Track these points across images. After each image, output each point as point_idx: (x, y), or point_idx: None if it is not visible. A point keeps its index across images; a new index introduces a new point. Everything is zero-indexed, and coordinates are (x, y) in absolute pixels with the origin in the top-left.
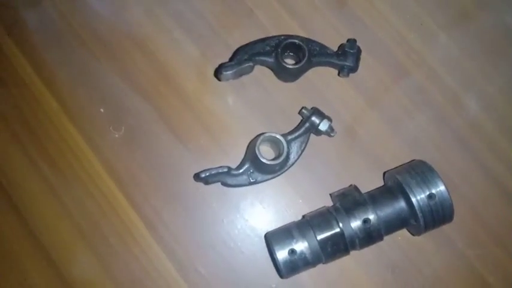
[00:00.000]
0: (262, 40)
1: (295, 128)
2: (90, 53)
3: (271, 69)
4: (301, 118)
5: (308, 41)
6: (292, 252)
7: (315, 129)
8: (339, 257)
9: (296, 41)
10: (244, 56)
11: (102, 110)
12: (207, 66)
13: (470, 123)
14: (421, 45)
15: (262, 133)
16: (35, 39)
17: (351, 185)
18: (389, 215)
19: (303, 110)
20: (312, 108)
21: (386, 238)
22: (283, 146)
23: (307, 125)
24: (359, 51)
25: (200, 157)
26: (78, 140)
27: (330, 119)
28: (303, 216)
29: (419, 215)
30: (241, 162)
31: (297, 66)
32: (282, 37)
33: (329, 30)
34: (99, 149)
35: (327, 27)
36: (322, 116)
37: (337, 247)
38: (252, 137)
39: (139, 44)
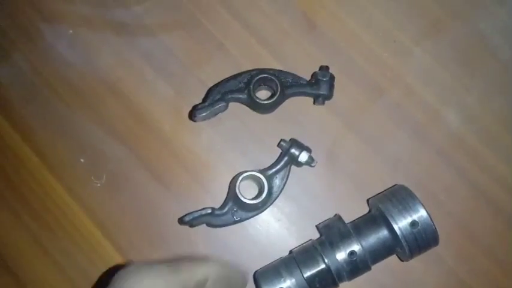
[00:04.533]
0: (234, 77)
1: (275, 161)
2: (64, 103)
3: (246, 105)
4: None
5: (280, 72)
6: None
7: (295, 162)
8: None
9: (267, 75)
10: (217, 96)
11: (82, 160)
12: (182, 104)
13: (451, 137)
14: (396, 61)
15: (242, 172)
16: (9, 94)
17: (335, 215)
18: (374, 245)
19: (282, 143)
20: (290, 140)
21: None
22: (263, 183)
23: (286, 158)
24: (332, 78)
25: (183, 198)
26: (60, 192)
27: (309, 150)
28: (290, 252)
29: (404, 243)
30: (224, 202)
31: (270, 101)
32: (254, 72)
33: (301, 54)
34: (82, 200)
35: (299, 52)
36: (301, 147)
37: (325, 282)
38: (234, 172)
39: (112, 89)
